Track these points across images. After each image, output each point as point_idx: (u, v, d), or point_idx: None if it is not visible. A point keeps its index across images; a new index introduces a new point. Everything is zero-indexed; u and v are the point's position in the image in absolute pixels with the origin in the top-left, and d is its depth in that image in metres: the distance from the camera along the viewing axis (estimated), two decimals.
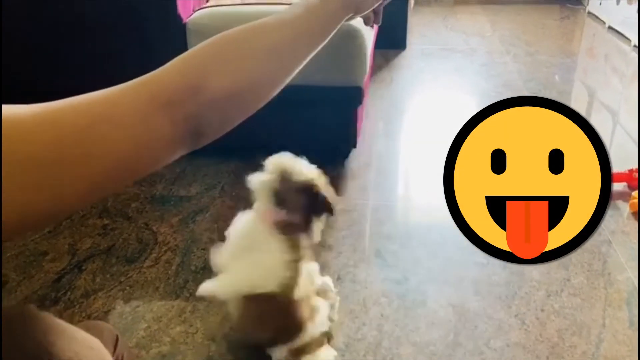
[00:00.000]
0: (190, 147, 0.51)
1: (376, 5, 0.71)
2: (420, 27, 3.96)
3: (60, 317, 1.37)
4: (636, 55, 3.38)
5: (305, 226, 1.15)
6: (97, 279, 1.53)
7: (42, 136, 0.39)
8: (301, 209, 1.14)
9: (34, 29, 1.91)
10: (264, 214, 1.16)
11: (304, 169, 1.17)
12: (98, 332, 0.84)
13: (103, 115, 0.43)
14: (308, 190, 1.14)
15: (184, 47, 1.90)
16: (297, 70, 0.58)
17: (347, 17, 0.65)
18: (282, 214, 1.13)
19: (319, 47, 0.61)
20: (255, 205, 1.19)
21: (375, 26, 2.39)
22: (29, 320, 0.56)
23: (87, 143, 0.41)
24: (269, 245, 1.12)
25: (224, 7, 1.92)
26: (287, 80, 0.57)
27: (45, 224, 0.45)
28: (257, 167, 2.06)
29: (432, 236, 1.71)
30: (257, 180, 1.18)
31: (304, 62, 0.59)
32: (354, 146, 2.13)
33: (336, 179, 2.03)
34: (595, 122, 2.63)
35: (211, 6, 1.95)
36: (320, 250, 1.59)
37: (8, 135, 0.38)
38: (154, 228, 1.74)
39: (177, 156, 0.50)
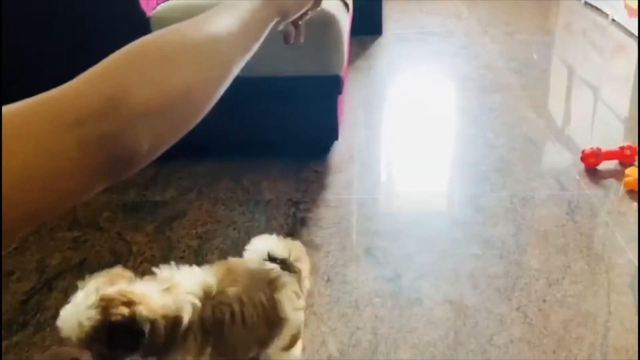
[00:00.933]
0: (113, 176, 0.41)
1: (300, 13, 0.64)
2: (396, 12, 3.86)
3: (29, 342, 1.27)
4: (615, 30, 3.33)
5: None
6: (70, 297, 1.42)
7: None
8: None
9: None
10: None
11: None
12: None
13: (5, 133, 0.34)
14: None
15: None
16: (233, 76, 0.50)
17: (273, 22, 0.59)
18: None
19: (250, 55, 0.53)
20: None
21: (350, 12, 2.30)
22: None
23: None
24: None
25: (189, 0, 1.81)
26: (224, 87, 0.49)
27: None
28: (235, 168, 1.97)
29: (423, 229, 1.63)
30: None
31: (239, 67, 0.51)
32: (336, 138, 2.04)
33: (320, 174, 1.94)
34: (575, 99, 2.58)
35: None
36: (307, 250, 1.50)
37: None
38: (128, 238, 1.63)
39: (95, 189, 0.40)
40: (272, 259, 1.08)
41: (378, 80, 2.79)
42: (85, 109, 0.38)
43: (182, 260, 1.52)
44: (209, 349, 1.00)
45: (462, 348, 1.22)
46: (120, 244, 1.60)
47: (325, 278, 1.44)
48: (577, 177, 1.84)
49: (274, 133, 2.01)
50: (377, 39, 3.36)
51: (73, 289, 1.43)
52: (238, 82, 1.91)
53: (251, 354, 1.09)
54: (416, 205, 1.79)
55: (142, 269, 1.49)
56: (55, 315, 1.35)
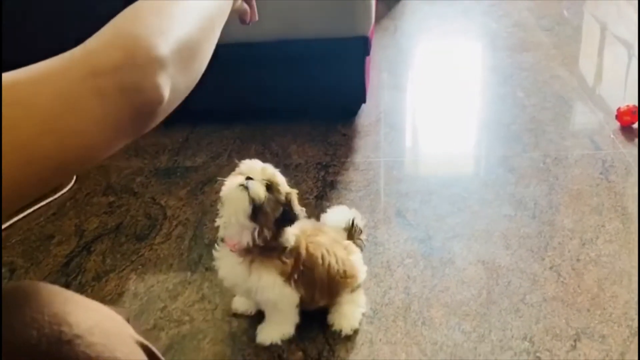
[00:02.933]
0: (137, 128, 0.42)
1: None
2: None
3: None
4: None
5: (277, 241, 1.06)
6: (108, 260, 1.46)
7: None
8: (275, 222, 1.04)
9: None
10: (232, 244, 1.08)
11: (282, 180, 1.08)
12: None
13: (8, 97, 0.35)
14: (287, 203, 1.05)
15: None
16: (218, 34, 0.54)
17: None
18: (247, 237, 1.04)
19: (226, 17, 0.57)
20: (223, 224, 1.08)
21: None
22: (44, 293, 0.52)
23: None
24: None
25: None
26: (214, 42, 0.53)
27: None
28: (263, 132, 1.98)
29: (454, 190, 1.62)
30: (236, 189, 1.02)
31: (220, 27, 0.54)
32: (364, 101, 2.02)
33: (348, 138, 1.93)
34: (608, 56, 2.50)
35: None
36: None
37: None
38: (162, 202, 1.66)
39: (121, 141, 0.41)
40: (349, 227, 1.26)
41: (404, 41, 2.74)
42: (102, 60, 0.38)
43: (215, 223, 1.55)
44: (295, 276, 1.10)
45: (494, 307, 1.23)
46: (155, 208, 1.64)
47: None
48: (612, 136, 1.80)
49: (302, 97, 2.01)
50: None
51: (110, 252, 1.48)
52: (266, 45, 1.91)
53: (322, 303, 1.19)
54: (446, 167, 1.78)
55: (177, 232, 1.53)
56: (95, 277, 1.41)
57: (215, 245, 1.13)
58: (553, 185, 1.60)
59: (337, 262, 1.14)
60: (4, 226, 1.59)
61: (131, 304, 1.32)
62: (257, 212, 1.01)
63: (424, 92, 2.28)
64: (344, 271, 1.16)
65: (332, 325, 1.19)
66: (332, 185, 1.68)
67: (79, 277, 1.41)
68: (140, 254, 1.47)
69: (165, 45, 0.42)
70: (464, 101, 2.17)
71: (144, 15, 0.44)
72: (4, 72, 0.37)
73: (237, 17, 0.69)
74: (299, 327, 1.19)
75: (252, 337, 1.20)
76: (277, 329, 1.17)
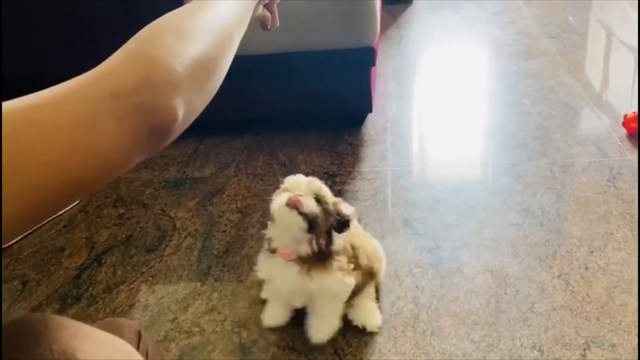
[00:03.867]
0: (153, 146, 0.43)
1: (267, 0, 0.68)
2: None
3: (84, 314, 1.33)
4: None
5: (329, 248, 1.12)
6: (118, 272, 1.48)
7: None
8: (328, 231, 1.11)
9: (28, 24, 1.81)
10: (287, 253, 1.12)
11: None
12: (118, 330, 0.79)
13: (33, 120, 0.37)
14: (336, 212, 1.11)
15: None
16: (235, 48, 0.55)
17: (256, 2, 0.63)
18: (304, 247, 1.10)
19: (244, 29, 0.59)
20: (276, 237, 1.14)
21: None
22: (52, 327, 0.51)
23: (8, 154, 0.35)
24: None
25: None
26: (231, 59, 0.55)
27: None
28: (271, 142, 1.99)
29: (461, 199, 1.63)
30: (284, 203, 1.08)
31: (238, 41, 0.56)
32: (370, 110, 2.03)
33: (354, 147, 1.94)
34: (615, 62, 2.50)
35: None
36: None
37: None
38: (171, 213, 1.68)
39: (137, 159, 0.43)
40: None
41: (410, 50, 2.75)
42: (119, 83, 0.40)
43: (224, 234, 1.56)
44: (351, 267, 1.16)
45: (503, 316, 1.23)
46: (164, 220, 1.65)
47: None
48: (619, 143, 1.80)
49: (308, 107, 2.02)
50: (407, 7, 3.30)
51: (121, 264, 1.49)
52: (273, 57, 1.93)
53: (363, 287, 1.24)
54: (453, 175, 1.79)
55: (187, 243, 1.54)
56: (106, 289, 1.42)
57: (261, 256, 1.18)
58: (560, 193, 1.60)
59: (366, 253, 1.22)
60: (15, 240, 1.61)
61: (142, 315, 1.33)
62: (311, 224, 1.07)
63: (430, 100, 2.29)
64: (374, 254, 1.25)
65: (353, 321, 1.23)
66: (340, 194, 1.69)
67: (90, 289, 1.42)
68: (150, 265, 1.48)
69: (181, 67, 0.44)
70: (470, 109, 2.17)
71: (161, 35, 0.46)
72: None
73: (258, 23, 0.71)
74: (307, 339, 1.20)
75: (262, 348, 1.21)
76: (331, 324, 1.21)
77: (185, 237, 1.57)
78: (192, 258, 1.49)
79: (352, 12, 1.74)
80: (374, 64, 1.89)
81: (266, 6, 0.70)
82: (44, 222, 1.67)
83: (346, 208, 1.12)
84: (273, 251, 1.14)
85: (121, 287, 1.42)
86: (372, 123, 2.09)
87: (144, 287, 1.42)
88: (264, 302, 1.32)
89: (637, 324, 1.18)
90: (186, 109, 0.45)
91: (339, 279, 1.13)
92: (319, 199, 1.08)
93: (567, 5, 3.09)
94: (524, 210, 1.55)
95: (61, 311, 1.36)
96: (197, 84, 0.47)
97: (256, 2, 0.63)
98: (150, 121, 0.41)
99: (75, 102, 0.39)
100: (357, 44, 1.80)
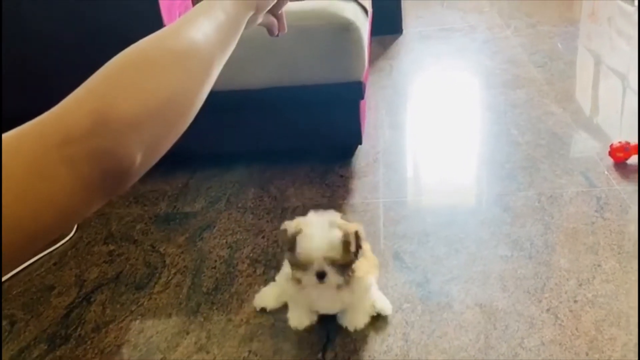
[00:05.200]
0: (110, 190, 0.41)
1: (271, 4, 0.63)
2: (415, 9, 3.85)
3: (72, 355, 1.32)
4: None
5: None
6: (107, 310, 1.47)
7: None
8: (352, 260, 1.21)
9: (19, 50, 1.84)
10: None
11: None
12: None
13: None
14: (357, 242, 1.21)
15: None
16: (214, 78, 0.51)
17: (248, 16, 0.58)
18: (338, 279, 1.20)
19: (229, 54, 0.54)
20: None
21: (370, 13, 2.30)
22: None
23: None
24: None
25: None
26: (207, 90, 0.49)
27: None
28: (262, 175, 2.00)
29: (451, 231, 1.63)
30: (313, 282, 1.18)
31: (219, 69, 0.52)
32: (360, 142, 2.05)
33: (345, 179, 1.96)
34: (603, 90, 2.54)
35: None
36: None
37: None
38: (161, 249, 1.68)
39: (95, 205, 0.41)
40: None
41: (400, 80, 2.79)
42: (72, 128, 0.38)
43: (214, 270, 1.56)
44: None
45: (493, 352, 1.23)
46: (154, 256, 1.65)
47: None
48: (606, 173, 1.82)
49: (299, 139, 2.04)
50: (397, 37, 3.35)
51: (110, 302, 1.49)
52: (263, 92, 1.96)
53: None
54: (443, 207, 1.80)
55: (176, 280, 1.54)
56: (95, 328, 1.41)
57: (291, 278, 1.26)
58: (549, 224, 1.61)
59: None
60: (5, 277, 1.61)
61: (130, 355, 1.33)
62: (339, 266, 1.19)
63: (420, 131, 2.32)
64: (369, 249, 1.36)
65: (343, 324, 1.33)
66: None
67: (79, 329, 1.41)
68: (139, 303, 1.48)
69: (142, 106, 0.41)
70: (460, 140, 2.20)
71: (125, 70, 0.43)
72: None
73: (245, 56, 0.67)
74: None
75: None
76: (365, 313, 1.33)
77: (175, 273, 1.57)
78: (181, 295, 1.48)
79: (341, 48, 1.77)
80: (362, 98, 1.91)
81: (271, 12, 0.65)
82: (34, 258, 1.66)
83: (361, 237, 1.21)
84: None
85: (110, 326, 1.42)
86: (363, 154, 2.10)
87: (133, 325, 1.41)
88: (252, 341, 1.31)
89: (625, 358, 1.18)
90: (148, 150, 0.42)
91: (366, 281, 1.27)
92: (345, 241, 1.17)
93: (554, 34, 3.14)
94: (512, 242, 1.55)
95: (49, 352, 1.35)
96: (164, 122, 0.44)
97: (249, 14, 0.58)
98: (104, 167, 0.39)
99: (27, 148, 0.37)
100: (346, 79, 1.83)
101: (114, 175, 0.40)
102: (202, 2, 0.54)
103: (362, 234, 1.22)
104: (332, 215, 1.23)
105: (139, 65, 0.43)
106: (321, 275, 1.16)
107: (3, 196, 0.35)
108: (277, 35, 0.69)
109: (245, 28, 0.57)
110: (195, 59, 0.47)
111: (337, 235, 1.16)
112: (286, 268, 1.31)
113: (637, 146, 1.85)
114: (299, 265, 1.19)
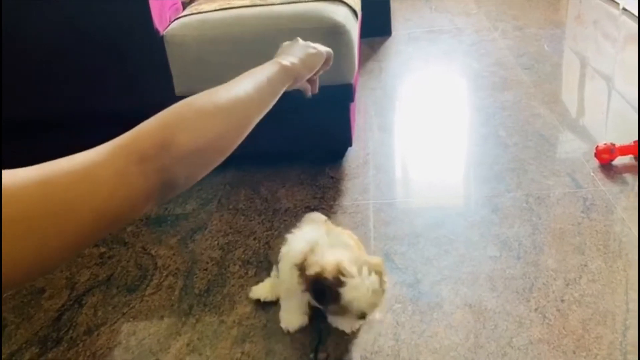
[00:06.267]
0: (161, 199, 0.55)
1: (311, 75, 0.83)
2: (404, 11, 3.88)
3: (64, 358, 1.32)
4: (626, 19, 3.31)
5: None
6: (99, 313, 1.47)
7: (31, 194, 0.45)
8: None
9: (8, 53, 1.83)
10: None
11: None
12: None
13: (84, 174, 0.49)
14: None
15: (163, 59, 1.84)
16: (251, 128, 0.67)
17: (287, 85, 0.76)
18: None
19: (267, 111, 0.71)
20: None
21: (359, 19, 2.32)
22: None
23: (69, 199, 0.47)
24: None
25: (200, 15, 1.85)
26: (244, 137, 0.66)
27: (32, 276, 0.46)
28: (253, 177, 2.01)
29: (441, 232, 1.65)
30: (369, 295, 1.16)
31: (256, 121, 0.68)
32: (350, 144, 2.07)
33: (335, 181, 1.97)
34: (589, 92, 2.58)
35: (187, 15, 1.88)
36: None
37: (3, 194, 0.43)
38: (153, 252, 1.68)
39: (149, 208, 0.54)
40: None
41: (389, 82, 2.81)
42: (147, 150, 0.52)
43: (206, 272, 1.57)
44: None
45: (482, 351, 1.25)
46: (146, 258, 1.65)
47: None
48: (592, 174, 1.85)
49: (290, 142, 2.05)
50: (386, 39, 3.38)
51: (102, 304, 1.49)
52: None
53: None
54: (433, 208, 1.82)
55: (168, 282, 1.55)
56: (87, 331, 1.41)
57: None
58: (536, 225, 1.64)
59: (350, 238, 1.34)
60: None
61: (123, 358, 1.33)
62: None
63: (409, 133, 2.34)
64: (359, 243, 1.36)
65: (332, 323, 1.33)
66: None
67: (70, 332, 1.41)
68: (131, 305, 1.48)
69: (194, 142, 0.56)
70: (449, 142, 2.22)
71: (187, 113, 0.58)
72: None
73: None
74: None
75: None
76: None
77: (167, 275, 1.57)
78: (173, 297, 1.49)
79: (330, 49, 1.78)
80: (352, 100, 1.93)
81: (308, 80, 0.83)
82: None
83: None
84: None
85: (102, 328, 1.42)
86: (353, 156, 2.12)
87: (125, 328, 1.41)
88: (244, 342, 1.32)
89: (611, 356, 1.20)
90: (190, 174, 0.57)
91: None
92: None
93: (540, 37, 3.18)
94: (501, 243, 1.58)
95: (40, 355, 1.35)
96: (207, 156, 0.59)
97: (288, 84, 0.75)
98: (163, 181, 0.53)
99: (115, 161, 0.50)
100: (336, 81, 1.84)
101: (167, 188, 0.54)
102: (258, 67, 0.71)
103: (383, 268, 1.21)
104: (317, 216, 1.25)
105: (196, 111, 0.58)
106: (363, 317, 1.19)
107: (98, 194, 0.48)
108: (310, 96, 0.89)
109: (284, 92, 0.74)
110: (236, 114, 0.63)
111: (376, 281, 1.16)
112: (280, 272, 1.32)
113: (622, 148, 1.88)
114: (338, 312, 1.21)
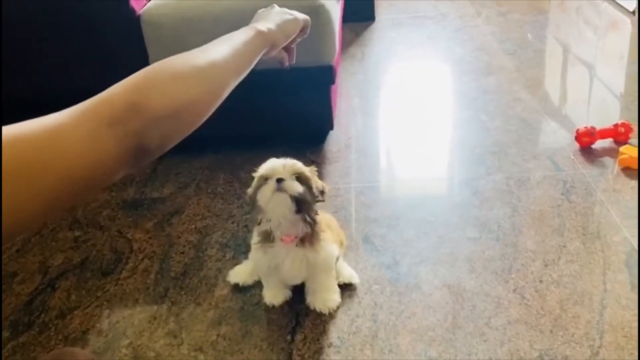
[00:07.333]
0: (133, 165, 0.53)
1: (289, 41, 0.79)
2: None
3: (35, 341, 1.29)
4: (608, 6, 3.32)
5: (316, 220, 1.25)
6: (72, 297, 1.44)
7: (6, 151, 0.43)
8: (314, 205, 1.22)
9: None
10: (290, 239, 1.23)
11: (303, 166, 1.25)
12: None
13: (54, 134, 0.47)
14: (315, 185, 1.22)
15: (140, 39, 1.80)
16: (227, 93, 0.64)
17: (264, 51, 0.73)
18: (301, 227, 1.22)
19: (242, 77, 0.68)
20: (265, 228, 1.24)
21: (341, 0, 2.29)
22: None
23: (43, 158, 0.46)
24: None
25: None
26: (219, 102, 0.62)
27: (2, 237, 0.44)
28: (232, 161, 1.98)
29: (421, 214, 1.64)
30: (274, 195, 1.16)
31: (232, 87, 0.65)
32: (331, 128, 2.04)
33: (317, 164, 1.94)
34: (571, 77, 2.58)
35: None
36: None
37: None
38: (129, 235, 1.65)
39: (121, 174, 0.52)
40: None
41: (372, 67, 2.78)
42: (118, 112, 0.50)
43: (183, 255, 1.54)
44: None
45: (460, 331, 1.24)
46: (121, 242, 1.62)
47: None
48: (572, 157, 1.85)
49: (270, 124, 2.02)
50: (370, 24, 3.34)
51: (75, 288, 1.46)
52: None
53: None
54: (414, 191, 1.80)
55: (144, 266, 1.52)
56: (59, 314, 1.38)
57: (257, 250, 1.28)
58: (516, 207, 1.63)
59: (330, 220, 1.39)
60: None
61: (96, 341, 1.30)
62: (299, 204, 1.17)
63: (392, 117, 2.32)
64: (337, 227, 1.42)
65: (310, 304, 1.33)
66: None
67: (43, 316, 1.38)
68: (105, 289, 1.45)
69: (166, 105, 0.53)
70: (431, 125, 2.21)
71: (160, 75, 0.55)
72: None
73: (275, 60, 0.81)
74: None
75: None
76: (335, 291, 1.34)
77: (142, 259, 1.54)
78: (148, 281, 1.46)
79: (311, 31, 1.75)
80: (333, 82, 1.90)
81: (284, 47, 0.79)
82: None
83: (317, 181, 1.24)
84: (272, 240, 1.24)
85: (75, 312, 1.39)
86: (335, 140, 2.10)
87: (98, 312, 1.38)
88: (220, 324, 1.30)
89: (588, 335, 1.20)
90: (163, 139, 0.54)
91: (331, 247, 1.28)
92: (301, 178, 1.19)
93: (524, 23, 3.18)
94: (481, 225, 1.57)
95: (12, 339, 1.32)
96: (180, 121, 0.56)
97: (265, 50, 0.72)
98: (135, 144, 0.51)
99: (86, 123, 0.48)
100: (316, 63, 1.82)
101: (138, 153, 0.52)
102: (234, 32, 0.70)
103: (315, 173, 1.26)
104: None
105: (171, 75, 0.56)
106: (280, 180, 1.16)
107: (68, 155, 0.46)
108: (287, 67, 0.86)
109: (260, 59, 0.72)
110: (212, 77, 0.61)
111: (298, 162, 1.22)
112: (255, 239, 1.30)
113: (602, 131, 1.89)
114: (260, 184, 1.21)
